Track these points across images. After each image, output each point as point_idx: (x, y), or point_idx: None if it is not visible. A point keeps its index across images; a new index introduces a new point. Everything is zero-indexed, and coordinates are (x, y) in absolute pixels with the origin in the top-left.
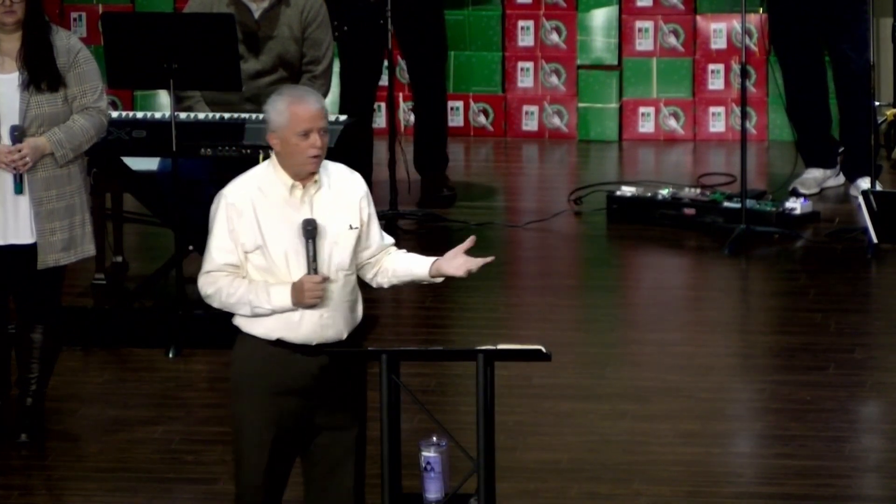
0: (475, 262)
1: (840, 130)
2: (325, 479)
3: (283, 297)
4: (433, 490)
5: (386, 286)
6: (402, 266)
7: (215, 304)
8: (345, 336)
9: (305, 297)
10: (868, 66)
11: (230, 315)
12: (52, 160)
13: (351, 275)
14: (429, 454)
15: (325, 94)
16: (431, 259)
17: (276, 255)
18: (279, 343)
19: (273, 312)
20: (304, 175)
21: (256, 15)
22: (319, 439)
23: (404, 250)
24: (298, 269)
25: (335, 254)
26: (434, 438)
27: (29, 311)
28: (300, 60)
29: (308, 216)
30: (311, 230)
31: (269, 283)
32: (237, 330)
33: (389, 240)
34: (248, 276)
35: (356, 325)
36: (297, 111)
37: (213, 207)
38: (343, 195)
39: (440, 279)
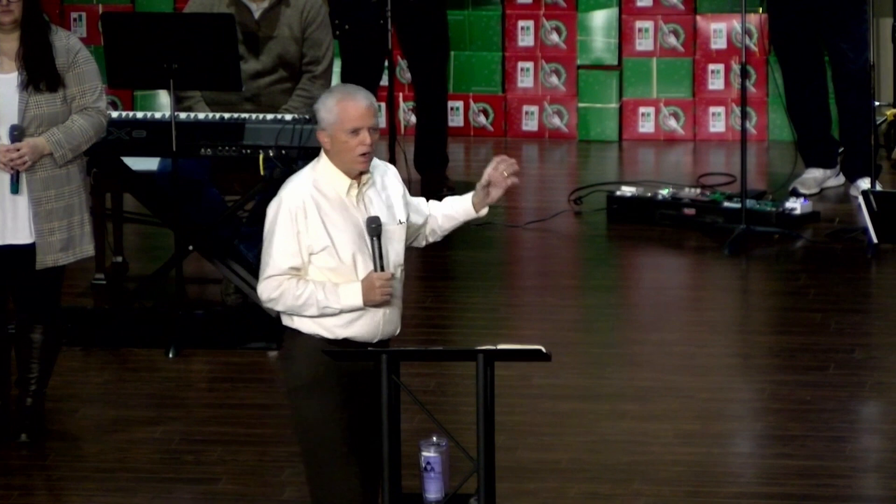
0: (507, 165)
1: (840, 130)
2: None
3: (354, 296)
4: (433, 490)
5: (439, 240)
6: (447, 220)
7: (278, 308)
8: (398, 331)
9: (377, 294)
10: (867, 66)
11: (230, 315)
12: (51, 160)
13: (403, 269)
14: (429, 454)
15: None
16: (468, 195)
17: (343, 255)
18: (345, 342)
19: (342, 312)
20: (355, 173)
21: (256, 15)
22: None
23: (434, 201)
24: (364, 268)
25: (391, 250)
26: (434, 438)
27: (28, 312)
28: (300, 60)
29: (367, 214)
30: (376, 228)
31: (337, 283)
32: (290, 331)
33: (427, 207)
34: (310, 277)
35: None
36: (346, 108)
37: (270, 213)
38: (388, 190)
39: (486, 209)
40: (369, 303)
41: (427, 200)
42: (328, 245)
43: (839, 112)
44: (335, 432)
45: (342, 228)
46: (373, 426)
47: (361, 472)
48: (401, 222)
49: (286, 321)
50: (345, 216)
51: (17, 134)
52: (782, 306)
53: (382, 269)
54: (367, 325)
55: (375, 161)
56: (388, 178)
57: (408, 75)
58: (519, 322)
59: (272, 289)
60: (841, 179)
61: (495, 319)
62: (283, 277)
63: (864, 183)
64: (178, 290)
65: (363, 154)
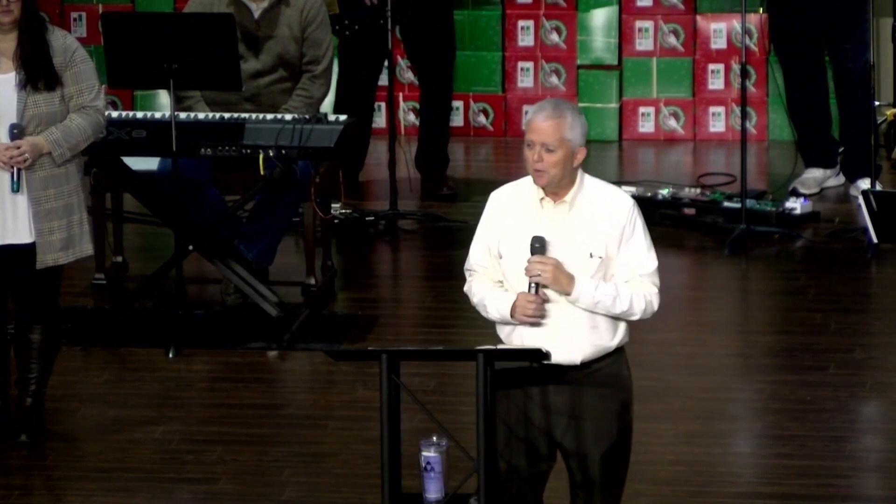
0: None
1: (840, 130)
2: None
3: (505, 306)
4: (433, 490)
5: None
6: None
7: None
8: (578, 361)
9: (517, 312)
10: (868, 66)
11: (230, 316)
12: (50, 159)
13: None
14: (429, 454)
15: (324, 94)
16: None
17: (507, 264)
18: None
19: (500, 320)
20: (539, 185)
21: (256, 15)
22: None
23: (626, 284)
24: (524, 285)
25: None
26: (434, 438)
27: (28, 311)
28: (300, 60)
29: (545, 233)
30: (538, 248)
31: (505, 290)
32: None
33: (641, 270)
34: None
35: (608, 351)
36: (531, 120)
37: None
38: (594, 220)
39: None
40: (515, 318)
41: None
42: (501, 252)
43: (840, 112)
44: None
45: (515, 239)
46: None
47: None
48: (592, 255)
49: None
50: (523, 227)
51: (16, 132)
52: (782, 306)
53: (536, 290)
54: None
55: (609, 191)
56: (604, 210)
57: (408, 75)
58: None
59: (466, 282)
60: (841, 179)
61: None
62: (474, 272)
63: (865, 183)
64: (178, 290)
65: (535, 170)
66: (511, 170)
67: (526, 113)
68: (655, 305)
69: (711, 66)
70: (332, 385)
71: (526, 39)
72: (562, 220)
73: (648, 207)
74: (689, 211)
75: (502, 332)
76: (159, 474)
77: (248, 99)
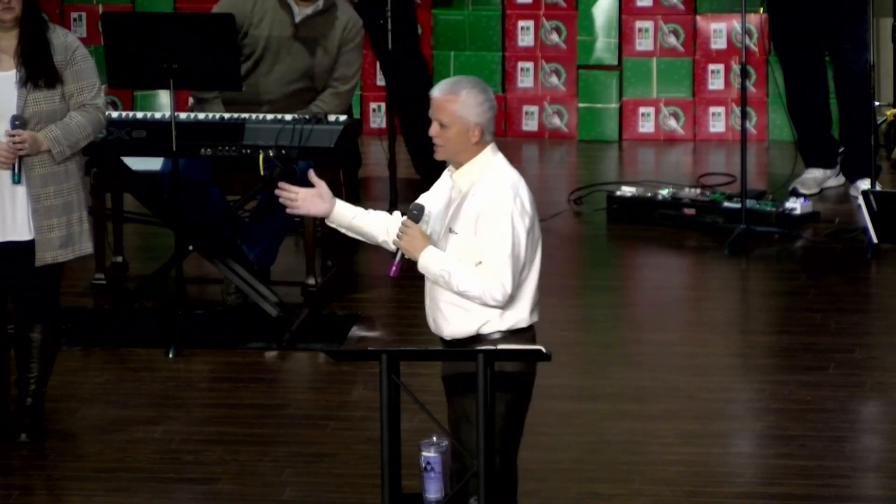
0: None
1: (840, 130)
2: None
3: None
4: (433, 490)
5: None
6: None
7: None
8: (458, 336)
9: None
10: (868, 66)
11: (230, 316)
12: (50, 157)
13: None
14: (429, 454)
15: (341, 113)
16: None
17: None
18: None
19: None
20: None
21: (297, 19)
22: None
23: (467, 265)
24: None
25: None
26: (434, 438)
27: (27, 311)
28: (329, 74)
29: (441, 203)
30: (414, 215)
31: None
32: None
33: (489, 262)
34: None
35: (484, 328)
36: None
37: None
38: (471, 199)
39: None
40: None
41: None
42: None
43: (840, 112)
44: None
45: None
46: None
47: None
48: (452, 231)
49: None
50: (439, 194)
51: (18, 123)
52: (782, 306)
53: (399, 262)
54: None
55: (501, 179)
56: (486, 191)
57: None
58: None
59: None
60: (841, 179)
61: None
62: None
63: (864, 184)
64: (179, 290)
65: (435, 144)
66: None
67: (527, 114)
68: (489, 299)
69: (711, 67)
70: (332, 385)
71: (526, 39)
72: (453, 194)
73: (648, 207)
74: (689, 211)
75: None
76: (159, 474)
77: (267, 102)
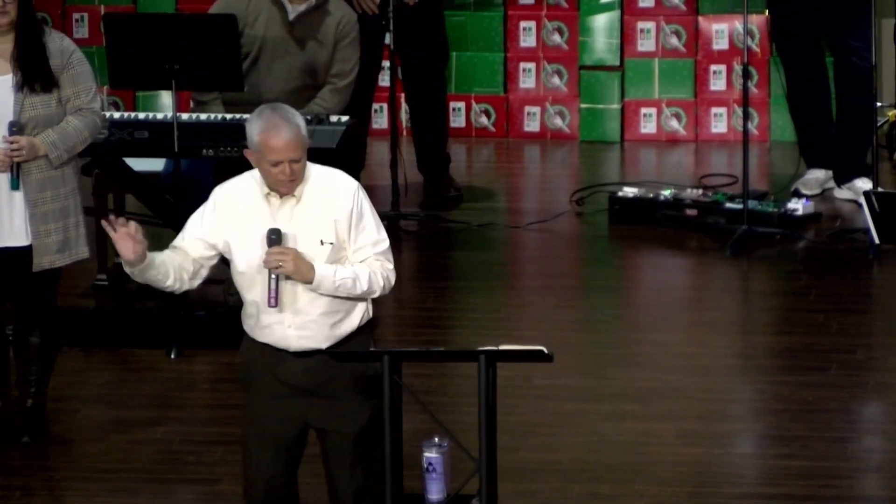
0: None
1: (836, 129)
2: (332, 481)
3: None
4: (435, 491)
5: None
6: None
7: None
8: (324, 347)
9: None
10: (871, 66)
11: (232, 316)
12: (47, 162)
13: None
14: (430, 455)
15: (342, 108)
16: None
17: (239, 262)
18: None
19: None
20: (284, 193)
21: (291, 17)
22: (325, 440)
23: (363, 265)
24: (262, 281)
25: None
26: (436, 439)
27: (26, 314)
28: (327, 70)
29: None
30: (274, 239)
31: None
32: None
33: (375, 249)
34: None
35: (347, 339)
36: (268, 141)
37: None
38: (322, 208)
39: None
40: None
41: (370, 249)
42: (232, 249)
43: (837, 111)
44: (254, 426)
45: (248, 233)
46: (304, 429)
47: (270, 465)
48: (323, 243)
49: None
50: (253, 223)
51: (16, 129)
52: (784, 307)
53: (277, 285)
54: (276, 334)
55: (334, 177)
56: (331, 198)
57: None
58: (520, 323)
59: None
60: None
61: (497, 320)
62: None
63: (862, 183)
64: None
65: (284, 181)
66: (513, 170)
67: (529, 114)
68: (392, 280)
69: (713, 67)
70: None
71: (528, 40)
72: (290, 213)
73: (650, 208)
74: (691, 212)
75: (246, 323)
76: (161, 475)
77: (268, 102)
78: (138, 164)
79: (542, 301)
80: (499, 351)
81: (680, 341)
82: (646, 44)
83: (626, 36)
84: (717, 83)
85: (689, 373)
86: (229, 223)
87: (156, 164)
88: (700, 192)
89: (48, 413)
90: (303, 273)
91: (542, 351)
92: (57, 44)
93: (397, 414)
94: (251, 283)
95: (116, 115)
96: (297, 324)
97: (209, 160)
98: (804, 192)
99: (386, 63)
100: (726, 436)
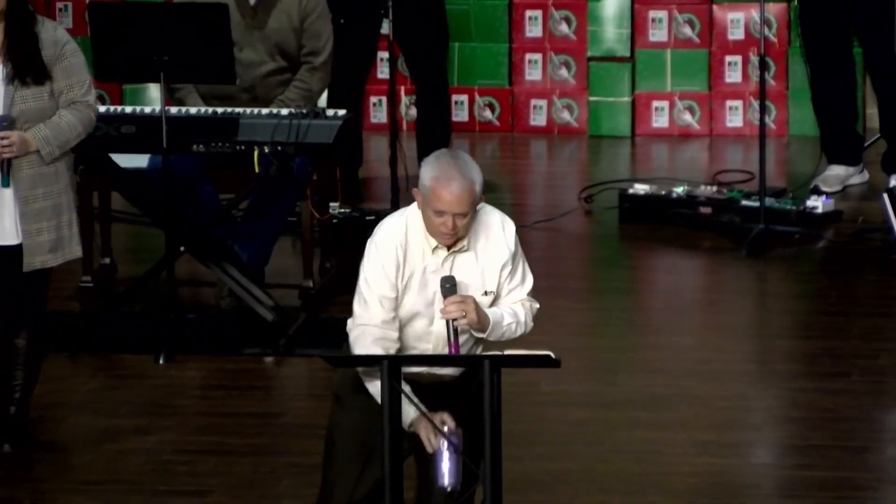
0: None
1: (880, 122)
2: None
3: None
4: (452, 473)
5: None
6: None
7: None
8: (457, 374)
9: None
10: None
11: (224, 320)
12: (38, 157)
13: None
14: (450, 438)
15: (324, 87)
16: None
17: (402, 312)
18: None
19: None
20: (443, 244)
21: (253, 1)
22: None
23: (519, 305)
24: (423, 329)
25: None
26: (447, 426)
27: (13, 316)
28: (298, 51)
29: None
30: (449, 288)
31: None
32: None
33: (525, 291)
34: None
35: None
36: (438, 191)
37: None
38: (487, 258)
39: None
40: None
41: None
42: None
43: (879, 104)
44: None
45: (411, 287)
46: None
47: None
48: (486, 293)
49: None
50: (421, 278)
51: (6, 124)
52: (803, 309)
53: (456, 336)
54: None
55: (494, 221)
56: (493, 245)
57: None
58: None
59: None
60: (865, 176)
61: None
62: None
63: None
64: (170, 294)
65: (445, 234)
66: (519, 166)
67: (535, 108)
68: (532, 321)
69: (728, 58)
70: (330, 393)
71: (534, 30)
72: (460, 262)
73: (662, 206)
74: (705, 210)
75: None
76: (150, 486)
77: (244, 90)
78: (125, 160)
79: (549, 303)
80: (504, 356)
81: (694, 346)
82: (657, 34)
83: (636, 25)
84: (733, 75)
85: (704, 379)
86: (398, 272)
87: (143, 161)
88: (714, 189)
89: (32, 421)
90: (482, 323)
91: (549, 356)
92: (50, 34)
93: (397, 421)
94: (406, 327)
95: (102, 108)
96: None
97: (199, 156)
98: (824, 189)
99: (384, 54)
100: (742, 445)
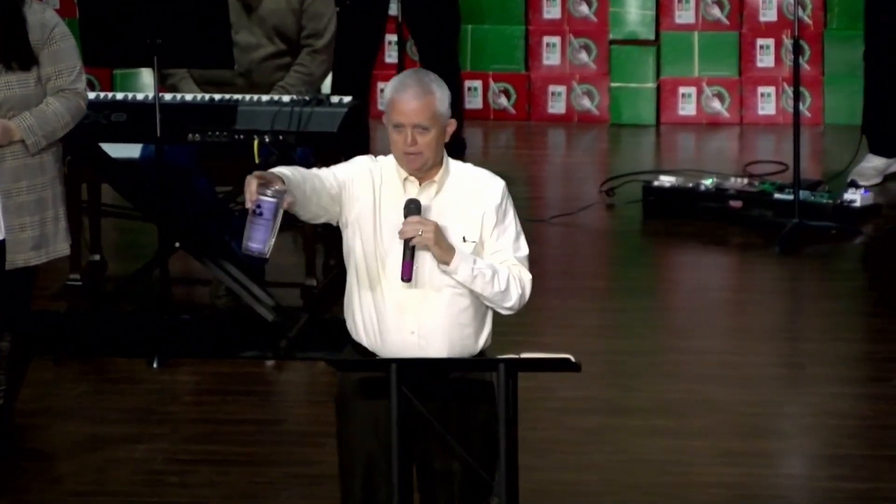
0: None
1: None
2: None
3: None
4: (258, 239)
5: None
6: None
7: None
8: (445, 354)
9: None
10: None
11: (220, 321)
12: (23, 148)
13: (463, 296)
14: (264, 198)
15: (326, 71)
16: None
17: (359, 243)
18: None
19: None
20: (410, 171)
21: None
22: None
23: (504, 267)
24: (391, 273)
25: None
26: (276, 186)
27: None
28: (298, 34)
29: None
30: (413, 209)
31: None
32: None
33: (516, 253)
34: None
35: (472, 355)
36: (394, 101)
37: None
38: (468, 201)
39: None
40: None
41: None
42: (358, 224)
43: None
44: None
45: (378, 216)
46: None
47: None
48: (465, 240)
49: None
50: (390, 207)
51: None
52: (839, 310)
53: (412, 258)
54: (393, 343)
55: (480, 173)
56: (476, 193)
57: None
58: (542, 328)
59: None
60: None
61: (516, 325)
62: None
63: None
64: (163, 293)
65: (407, 154)
66: (536, 157)
67: (553, 94)
68: (527, 294)
69: (760, 42)
70: (333, 398)
71: (552, 11)
72: (429, 202)
73: (689, 199)
74: (735, 203)
75: (355, 332)
76: (141, 498)
77: (240, 75)
78: (115, 150)
79: (566, 303)
80: (520, 359)
81: (720, 349)
82: (684, 15)
83: (661, 6)
84: (765, 59)
85: (731, 384)
86: (363, 193)
87: (134, 151)
88: (745, 181)
89: (17, 429)
90: (442, 248)
91: (568, 359)
92: (38, 16)
93: (405, 428)
94: (370, 273)
95: (92, 95)
96: (421, 329)
97: (195, 146)
98: (862, 182)
99: (392, 37)
100: (771, 455)
